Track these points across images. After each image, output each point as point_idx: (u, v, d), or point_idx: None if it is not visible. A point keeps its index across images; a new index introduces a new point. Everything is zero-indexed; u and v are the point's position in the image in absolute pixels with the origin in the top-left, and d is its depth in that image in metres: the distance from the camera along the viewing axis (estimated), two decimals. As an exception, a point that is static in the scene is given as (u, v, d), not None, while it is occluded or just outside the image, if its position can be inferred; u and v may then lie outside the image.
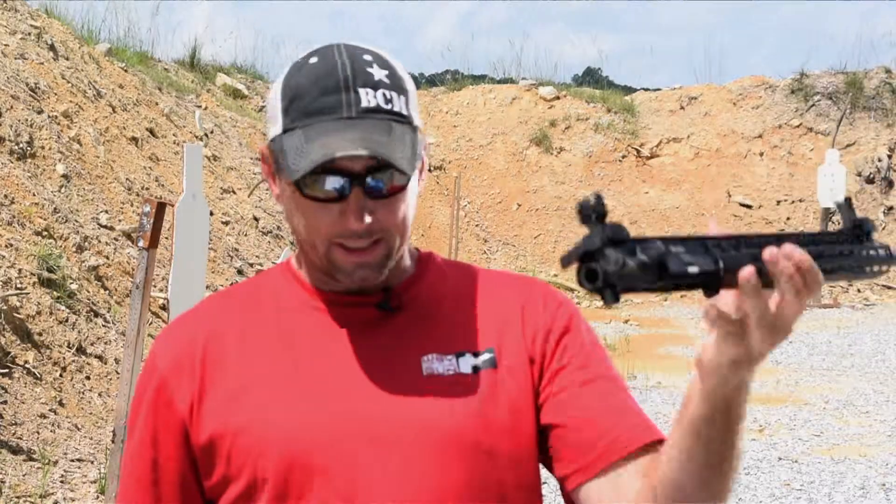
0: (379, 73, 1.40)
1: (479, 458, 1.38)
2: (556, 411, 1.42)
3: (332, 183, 1.37)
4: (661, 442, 1.36)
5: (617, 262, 1.04)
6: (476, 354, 1.43)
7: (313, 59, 1.40)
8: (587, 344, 1.46)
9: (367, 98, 1.38)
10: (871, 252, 1.24)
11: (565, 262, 1.07)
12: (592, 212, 1.05)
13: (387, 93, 1.39)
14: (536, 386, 1.43)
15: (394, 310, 1.44)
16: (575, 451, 1.40)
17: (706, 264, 1.09)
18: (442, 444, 1.37)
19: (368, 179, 1.37)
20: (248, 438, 1.38)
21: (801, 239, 1.18)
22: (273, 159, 1.42)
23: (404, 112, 1.40)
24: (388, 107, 1.39)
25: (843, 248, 1.23)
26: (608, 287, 1.04)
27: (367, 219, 1.37)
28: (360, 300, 1.44)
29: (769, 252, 1.11)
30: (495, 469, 1.39)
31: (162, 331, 1.52)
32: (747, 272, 1.10)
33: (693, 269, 1.08)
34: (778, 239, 1.15)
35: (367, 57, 1.41)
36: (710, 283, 1.10)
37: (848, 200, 1.26)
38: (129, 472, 1.48)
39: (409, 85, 1.44)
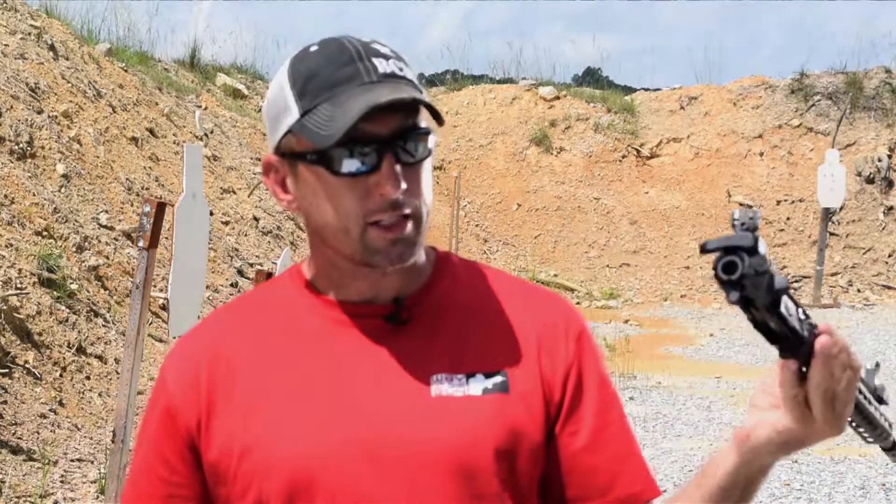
0: (384, 49, 1.39)
1: (485, 484, 1.36)
2: (565, 452, 1.40)
3: (363, 152, 1.33)
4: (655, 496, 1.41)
5: (758, 265, 1.05)
6: (488, 375, 1.38)
7: (314, 48, 1.38)
8: (601, 381, 1.44)
9: (383, 66, 1.36)
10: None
11: (708, 248, 1.07)
12: (749, 221, 1.07)
13: (397, 62, 1.38)
14: (547, 418, 1.40)
15: (403, 322, 1.39)
16: (578, 491, 1.41)
17: (802, 319, 1.13)
18: (448, 468, 1.34)
19: (399, 144, 1.34)
20: (254, 460, 1.36)
21: None
22: (289, 153, 1.38)
23: (416, 83, 1.39)
24: (403, 74, 1.38)
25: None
26: (739, 285, 1.05)
27: (403, 184, 1.33)
28: (370, 311, 1.40)
29: (822, 325, 1.17)
30: (499, 497, 1.36)
31: (171, 349, 1.51)
32: (825, 327, 1.15)
33: (793, 310, 1.11)
34: None
35: (367, 39, 1.40)
36: (794, 345, 1.13)
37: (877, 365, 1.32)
38: (139, 489, 1.46)
39: (412, 66, 1.44)
